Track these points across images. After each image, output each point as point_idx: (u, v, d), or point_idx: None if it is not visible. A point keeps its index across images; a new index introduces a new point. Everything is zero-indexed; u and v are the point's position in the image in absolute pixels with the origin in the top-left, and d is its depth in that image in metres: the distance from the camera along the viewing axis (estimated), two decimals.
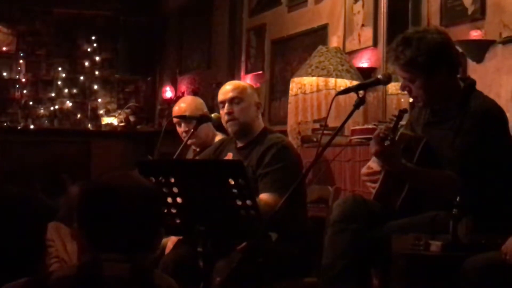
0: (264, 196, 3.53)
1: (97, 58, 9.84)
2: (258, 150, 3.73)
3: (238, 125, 3.81)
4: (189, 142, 4.38)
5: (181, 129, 4.56)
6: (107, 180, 1.89)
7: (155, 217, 1.90)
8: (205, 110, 4.56)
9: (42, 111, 9.66)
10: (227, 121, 3.83)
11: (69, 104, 9.76)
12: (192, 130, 4.42)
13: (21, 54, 9.57)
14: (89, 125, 9.78)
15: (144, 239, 1.85)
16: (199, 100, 4.73)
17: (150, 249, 1.89)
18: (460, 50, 4.33)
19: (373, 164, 3.36)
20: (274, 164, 3.65)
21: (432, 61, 3.19)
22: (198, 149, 4.58)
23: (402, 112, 3.22)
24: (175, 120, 4.58)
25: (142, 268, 1.81)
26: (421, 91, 3.23)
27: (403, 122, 3.47)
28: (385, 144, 3.13)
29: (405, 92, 3.35)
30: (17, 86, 9.58)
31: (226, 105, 3.81)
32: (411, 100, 3.54)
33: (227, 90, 3.85)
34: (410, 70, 3.21)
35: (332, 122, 5.14)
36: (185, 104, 4.61)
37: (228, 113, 3.80)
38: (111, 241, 1.81)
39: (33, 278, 1.80)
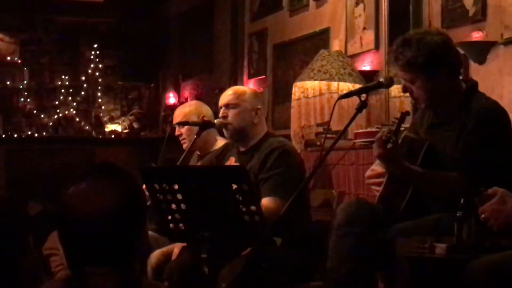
0: (265, 202, 3.53)
1: (100, 65, 9.85)
2: (260, 155, 3.74)
3: (232, 130, 3.84)
4: (184, 146, 4.42)
5: (177, 132, 4.58)
6: (71, 195, 1.77)
7: (131, 223, 1.77)
8: (204, 114, 4.54)
9: (46, 119, 9.67)
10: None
11: (73, 111, 9.77)
12: (183, 134, 4.46)
13: (24, 63, 9.58)
14: (93, 132, 9.79)
15: (125, 248, 1.75)
16: (198, 105, 4.73)
17: (135, 255, 1.78)
18: (461, 51, 4.33)
19: (377, 167, 3.36)
20: (276, 168, 3.65)
21: (432, 61, 3.19)
22: (200, 154, 4.59)
23: (404, 114, 3.22)
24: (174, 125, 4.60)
25: (129, 279, 1.73)
26: (422, 92, 3.24)
27: (406, 125, 3.47)
28: (388, 147, 3.13)
29: (407, 93, 3.36)
30: (21, 94, 9.59)
31: (222, 109, 3.86)
32: (413, 102, 3.54)
33: (225, 95, 3.91)
34: (409, 70, 3.22)
35: (335, 126, 5.14)
36: (183, 110, 4.62)
37: (223, 117, 3.84)
38: (91, 256, 1.73)
39: None
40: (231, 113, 3.83)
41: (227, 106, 3.85)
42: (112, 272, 1.69)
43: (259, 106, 3.90)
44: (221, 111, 3.87)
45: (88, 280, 1.68)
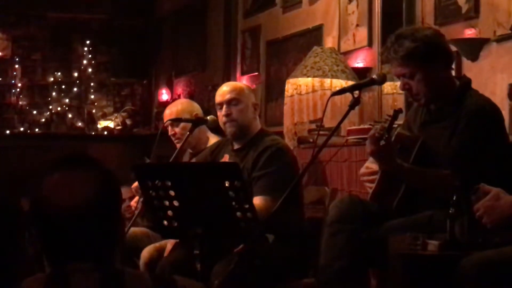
0: (256, 201, 3.51)
1: (93, 62, 9.83)
2: (254, 153, 3.72)
3: (236, 127, 3.80)
4: (178, 145, 4.39)
5: (170, 132, 4.56)
6: (45, 187, 1.70)
7: (108, 210, 1.71)
8: (196, 112, 4.52)
9: (38, 115, 9.65)
10: (225, 123, 3.82)
11: (65, 108, 9.75)
12: (177, 133, 4.43)
13: (17, 59, 9.56)
14: (86, 129, 9.77)
15: (105, 238, 1.69)
16: (189, 103, 4.71)
17: (115, 246, 1.72)
18: (454, 48, 4.33)
19: (371, 164, 3.36)
20: (268, 167, 3.64)
21: (431, 51, 3.20)
22: (192, 152, 4.58)
23: (396, 111, 3.22)
24: (166, 123, 4.58)
25: (111, 273, 1.67)
26: (422, 85, 3.22)
27: (399, 122, 3.47)
28: (380, 144, 3.13)
29: (405, 90, 3.33)
30: (13, 91, 9.57)
31: (224, 106, 3.80)
32: (410, 99, 3.52)
33: (224, 91, 3.84)
34: (410, 62, 3.20)
35: (328, 123, 5.14)
36: (174, 108, 4.60)
37: (227, 115, 3.79)
38: (71, 251, 1.67)
39: None
40: (235, 109, 3.79)
41: (229, 103, 3.80)
42: (93, 267, 1.65)
43: (256, 102, 3.89)
44: (224, 109, 3.80)
45: (70, 276, 1.63)
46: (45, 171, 1.73)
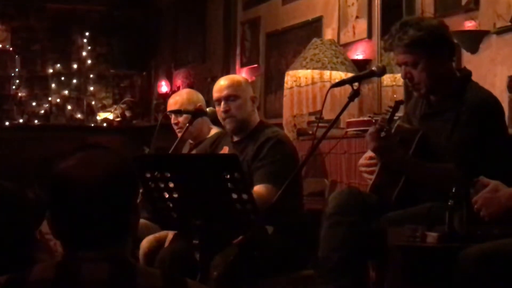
0: (257, 188, 3.52)
1: (92, 53, 9.83)
2: (254, 145, 3.72)
3: (235, 122, 3.78)
4: (179, 134, 4.38)
5: (173, 120, 4.56)
6: (63, 169, 1.69)
7: (124, 192, 1.71)
8: (200, 103, 4.52)
9: (37, 107, 9.65)
10: (224, 119, 3.81)
11: (64, 99, 9.75)
12: (180, 123, 4.42)
13: (16, 51, 9.55)
14: (85, 120, 9.77)
15: (119, 228, 1.70)
16: (193, 93, 4.71)
17: (127, 237, 1.72)
18: (454, 41, 4.33)
19: (370, 155, 3.36)
20: (269, 157, 3.64)
21: (436, 39, 3.20)
22: (193, 143, 4.58)
23: (398, 103, 3.23)
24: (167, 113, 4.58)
25: (122, 265, 1.67)
26: (425, 74, 3.21)
27: (400, 114, 3.47)
28: (381, 136, 3.13)
29: (406, 79, 3.32)
30: (12, 82, 9.57)
31: (222, 103, 3.78)
32: (410, 89, 3.51)
33: (222, 86, 3.82)
34: (414, 50, 3.20)
35: (328, 115, 5.14)
36: (178, 98, 4.60)
37: (225, 111, 3.77)
38: (86, 235, 1.67)
39: (11, 277, 1.69)
40: (233, 105, 3.77)
41: (227, 99, 3.78)
42: (103, 256, 1.65)
43: (254, 95, 3.88)
44: (222, 105, 3.77)
45: (80, 265, 1.64)
46: (62, 158, 1.73)
